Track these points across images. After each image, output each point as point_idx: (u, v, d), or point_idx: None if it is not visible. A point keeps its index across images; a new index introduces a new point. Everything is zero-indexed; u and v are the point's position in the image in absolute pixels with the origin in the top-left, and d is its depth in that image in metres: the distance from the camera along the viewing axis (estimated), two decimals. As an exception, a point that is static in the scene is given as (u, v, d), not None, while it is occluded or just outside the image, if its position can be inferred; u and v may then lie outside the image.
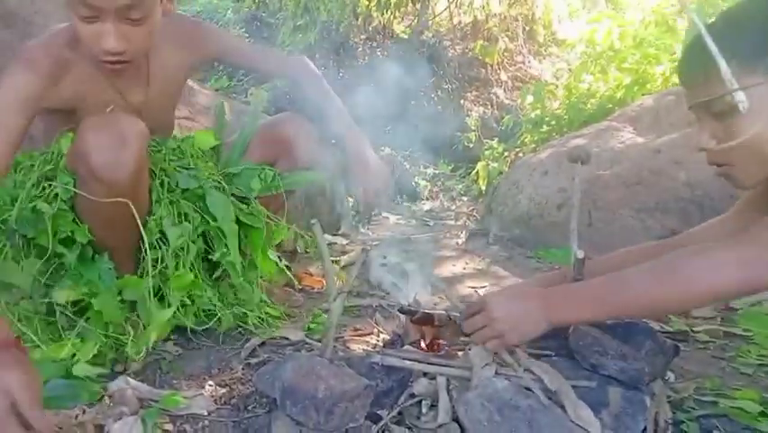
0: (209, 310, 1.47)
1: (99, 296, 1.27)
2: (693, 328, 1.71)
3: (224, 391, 1.27)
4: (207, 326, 1.46)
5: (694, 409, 1.23)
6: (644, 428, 1.09)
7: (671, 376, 1.34)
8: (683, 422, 1.17)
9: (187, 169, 1.44)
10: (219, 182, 1.46)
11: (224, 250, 1.43)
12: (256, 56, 1.67)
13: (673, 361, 1.36)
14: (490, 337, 1.07)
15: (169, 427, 1.14)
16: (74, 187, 1.29)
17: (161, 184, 1.40)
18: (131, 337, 1.28)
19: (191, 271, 1.41)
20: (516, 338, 1.07)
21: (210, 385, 1.29)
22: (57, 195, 1.30)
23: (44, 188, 1.32)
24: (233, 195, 1.49)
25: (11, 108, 1.23)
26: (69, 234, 1.31)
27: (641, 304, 1.03)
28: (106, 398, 1.17)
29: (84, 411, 1.12)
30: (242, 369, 1.36)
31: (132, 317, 1.36)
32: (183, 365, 1.36)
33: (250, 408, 1.21)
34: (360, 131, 1.51)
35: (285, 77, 1.72)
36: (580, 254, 1.20)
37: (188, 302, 1.42)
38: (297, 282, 1.90)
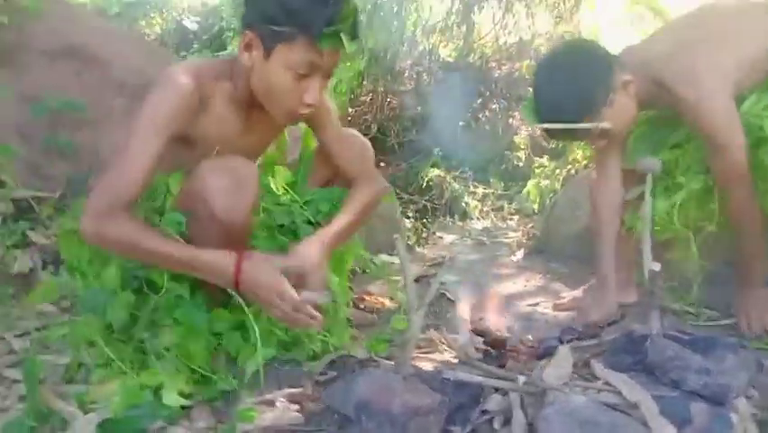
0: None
1: (192, 337, 1.31)
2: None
3: (295, 408, 1.29)
4: (292, 357, 1.48)
5: (783, 428, 1.17)
6: (733, 447, 1.04)
7: (755, 394, 1.28)
8: (773, 442, 1.12)
9: (281, 205, 1.49)
10: (307, 216, 1.50)
11: None
12: (337, 142, 1.57)
13: (757, 378, 1.30)
14: None
15: (246, 443, 1.16)
16: (186, 225, 1.30)
17: (260, 221, 1.44)
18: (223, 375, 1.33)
19: None
20: None
21: (281, 402, 1.31)
22: None
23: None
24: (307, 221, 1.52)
25: (157, 128, 1.25)
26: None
27: None
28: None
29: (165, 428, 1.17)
30: (312, 386, 1.38)
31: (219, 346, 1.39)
32: (254, 383, 1.39)
33: (322, 424, 1.23)
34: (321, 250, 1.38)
35: (352, 177, 1.57)
36: (656, 267, 1.17)
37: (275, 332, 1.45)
38: (358, 303, 1.92)
